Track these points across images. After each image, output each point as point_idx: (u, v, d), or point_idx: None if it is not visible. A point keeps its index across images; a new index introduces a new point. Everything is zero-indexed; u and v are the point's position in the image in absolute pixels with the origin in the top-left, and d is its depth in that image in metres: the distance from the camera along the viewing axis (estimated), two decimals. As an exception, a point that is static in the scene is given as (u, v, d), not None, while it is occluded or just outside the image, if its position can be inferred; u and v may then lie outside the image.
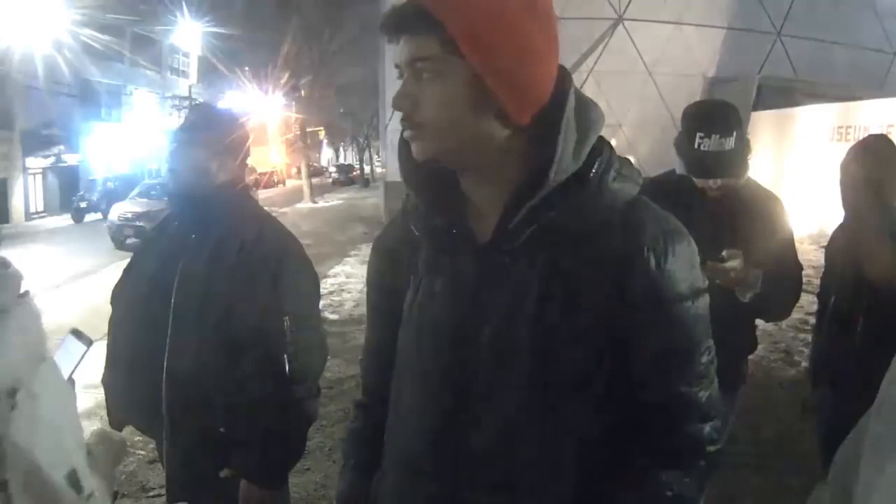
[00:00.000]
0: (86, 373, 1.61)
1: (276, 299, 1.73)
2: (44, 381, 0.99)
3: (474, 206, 0.97)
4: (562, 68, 0.92)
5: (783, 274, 1.95)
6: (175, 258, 1.79)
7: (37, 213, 23.47)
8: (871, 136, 2.33)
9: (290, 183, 40.21)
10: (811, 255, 8.20)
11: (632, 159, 1.02)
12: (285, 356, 1.73)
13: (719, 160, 1.92)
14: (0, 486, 0.89)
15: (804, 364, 4.76)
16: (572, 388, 0.92)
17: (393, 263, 1.06)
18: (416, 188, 1.00)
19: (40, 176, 24.55)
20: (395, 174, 17.25)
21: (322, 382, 1.99)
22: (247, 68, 28.31)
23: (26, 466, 0.92)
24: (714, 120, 1.95)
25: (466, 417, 0.95)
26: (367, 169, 43.42)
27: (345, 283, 8.47)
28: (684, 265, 0.92)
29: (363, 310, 5.83)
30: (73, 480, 0.97)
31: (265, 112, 31.55)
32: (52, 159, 24.41)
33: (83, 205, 22.24)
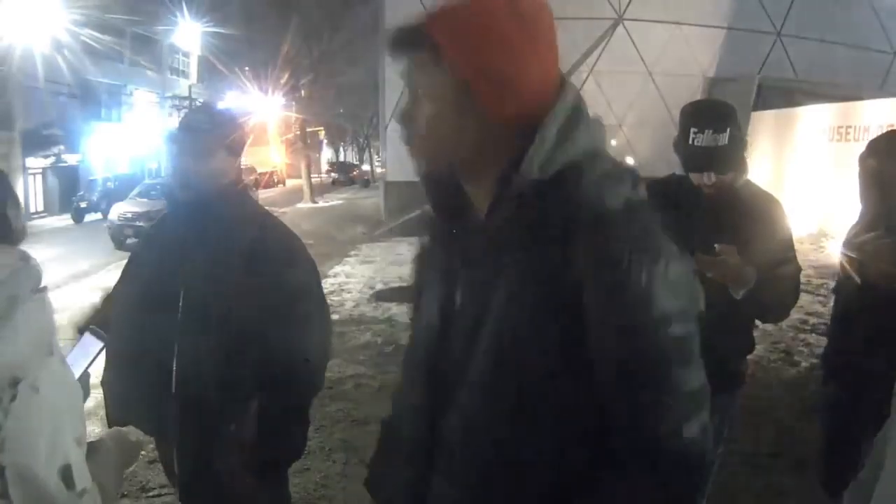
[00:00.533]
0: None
1: (282, 299, 1.75)
2: (48, 376, 1.00)
3: (474, 204, 1.00)
4: (563, 78, 0.95)
5: (782, 275, 1.95)
6: (176, 259, 1.79)
7: (37, 213, 23.48)
8: (892, 131, 2.33)
9: (290, 183, 40.22)
10: (811, 255, 8.21)
11: (630, 159, 1.01)
12: (293, 353, 1.75)
13: (712, 155, 1.95)
14: None
15: (804, 364, 4.76)
16: (534, 389, 0.91)
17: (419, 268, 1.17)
18: (427, 190, 1.05)
19: (40, 176, 24.56)
20: (395, 174, 17.10)
21: (322, 382, 1.99)
22: (247, 68, 28.31)
23: (21, 457, 0.93)
24: (708, 116, 1.99)
25: (443, 406, 0.97)
26: (366, 168, 43.43)
27: (345, 283, 8.47)
28: (652, 285, 0.87)
29: (363, 310, 5.88)
30: (66, 475, 0.97)
31: (265, 112, 31.56)
32: (52, 159, 24.42)
33: (83, 205, 22.25)
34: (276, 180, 39.83)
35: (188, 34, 30.52)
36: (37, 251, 1.16)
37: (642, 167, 1.14)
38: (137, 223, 15.14)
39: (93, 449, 1.21)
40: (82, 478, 1.00)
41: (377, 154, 39.59)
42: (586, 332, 0.89)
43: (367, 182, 39.78)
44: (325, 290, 2.08)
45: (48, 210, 24.31)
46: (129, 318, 1.85)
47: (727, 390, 1.99)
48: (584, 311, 0.88)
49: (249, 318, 1.72)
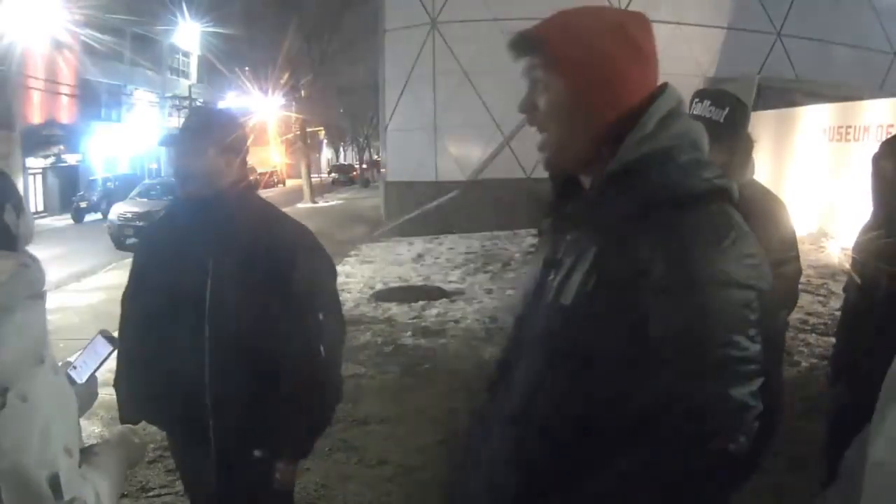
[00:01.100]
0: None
1: (306, 293, 1.79)
2: (37, 384, 1.00)
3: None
4: (666, 84, 1.10)
5: (782, 275, 1.96)
6: (188, 259, 1.80)
7: (37, 213, 23.47)
8: None
9: (290, 183, 40.20)
10: (811, 256, 8.20)
11: None
12: (321, 345, 1.81)
13: (705, 123, 2.01)
14: None
15: (804, 364, 4.75)
16: (591, 345, 1.00)
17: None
18: (552, 181, 1.17)
19: (40, 176, 24.56)
20: (395, 174, 17.02)
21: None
22: (247, 68, 28.30)
23: (9, 465, 0.93)
24: (712, 92, 2.12)
25: (518, 352, 1.12)
26: (366, 167, 43.41)
27: (345, 283, 8.47)
28: (709, 262, 0.95)
29: (364, 310, 5.87)
30: (54, 484, 0.98)
31: (265, 112, 31.51)
32: (52, 159, 24.42)
33: (83, 205, 22.25)
34: (275, 180, 39.83)
35: (188, 34, 30.52)
36: (37, 251, 1.15)
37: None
38: (137, 223, 15.13)
39: (96, 449, 1.21)
40: (71, 487, 1.00)
41: (377, 154, 39.61)
42: (651, 301, 0.95)
43: (367, 182, 39.79)
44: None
45: (48, 210, 24.30)
46: (139, 319, 1.87)
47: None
48: (651, 279, 0.95)
49: (279, 315, 1.76)
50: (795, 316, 5.78)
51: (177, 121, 32.45)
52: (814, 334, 5.33)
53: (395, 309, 6.86)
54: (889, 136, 2.20)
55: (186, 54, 34.25)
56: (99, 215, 20.91)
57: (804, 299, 6.23)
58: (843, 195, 8.13)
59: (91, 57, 23.80)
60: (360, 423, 3.97)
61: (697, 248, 0.95)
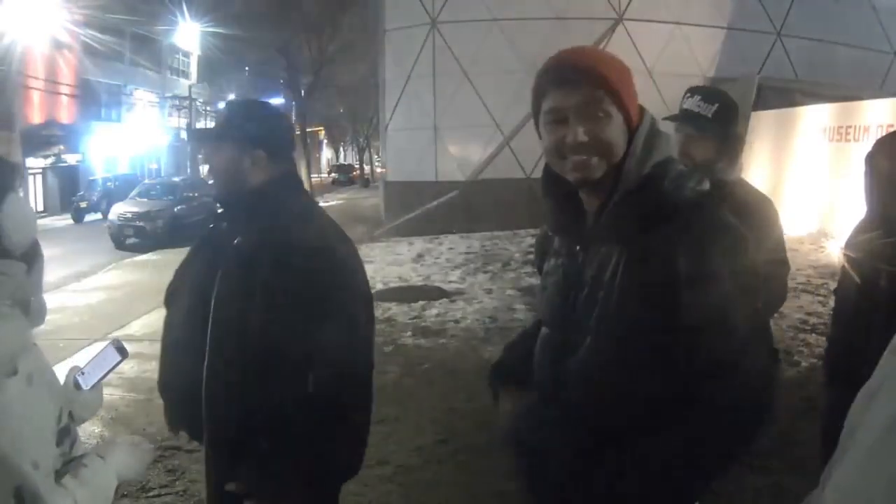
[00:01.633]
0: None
1: (298, 308, 1.61)
2: (7, 396, 1.00)
3: (587, 210, 1.33)
4: (641, 106, 1.30)
5: (770, 274, 1.96)
6: (217, 261, 1.71)
7: (37, 213, 23.37)
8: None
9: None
10: (811, 255, 8.21)
11: None
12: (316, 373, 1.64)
13: (692, 116, 2.12)
14: None
15: (804, 364, 4.75)
16: (634, 342, 1.20)
17: (541, 248, 1.52)
18: (552, 200, 1.37)
19: (40, 176, 24.56)
20: (395, 174, 17.01)
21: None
22: (247, 68, 28.30)
23: None
24: (703, 88, 2.19)
25: (565, 352, 1.31)
26: (366, 168, 43.42)
27: (345, 283, 8.48)
28: (719, 255, 1.17)
29: (363, 310, 5.54)
30: (18, 496, 1.00)
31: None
32: (52, 159, 24.43)
33: (83, 205, 22.25)
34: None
35: (188, 34, 30.50)
36: (36, 251, 1.15)
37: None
38: (137, 223, 15.16)
39: (85, 460, 1.21)
40: (37, 499, 1.01)
41: (377, 154, 39.64)
42: (675, 294, 1.14)
43: (367, 182, 39.79)
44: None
45: (48, 210, 24.31)
46: (178, 322, 1.80)
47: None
48: (673, 275, 1.15)
49: (262, 333, 1.62)
50: (795, 316, 5.78)
51: (177, 121, 32.52)
52: (814, 334, 5.34)
53: (394, 309, 6.86)
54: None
55: (186, 54, 34.24)
56: (99, 215, 20.91)
57: (804, 299, 6.23)
58: (843, 195, 8.12)
59: (91, 57, 23.81)
60: (360, 423, 3.97)
61: (709, 244, 1.16)
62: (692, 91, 2.17)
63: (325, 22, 24.76)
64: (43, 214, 23.60)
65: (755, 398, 1.18)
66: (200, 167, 33.85)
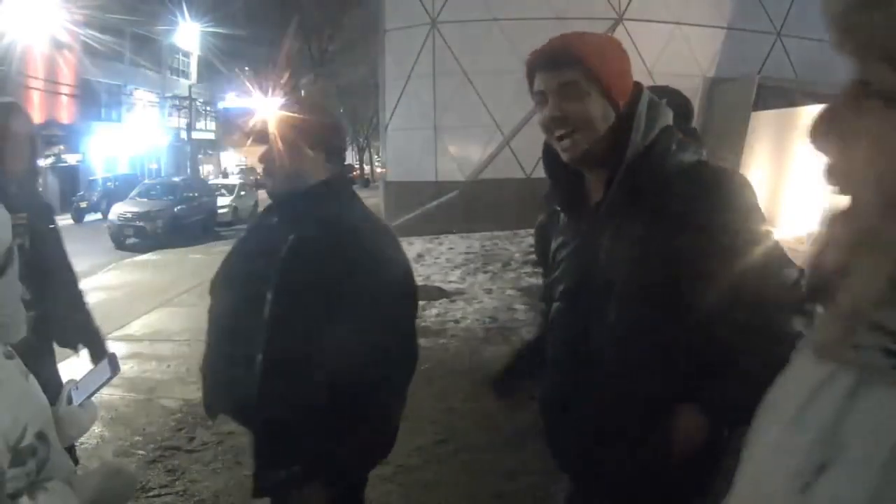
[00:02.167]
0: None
1: (355, 309, 1.65)
2: None
3: (591, 185, 1.43)
4: (636, 83, 1.40)
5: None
6: (266, 253, 1.78)
7: (37, 213, 23.44)
8: None
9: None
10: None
11: None
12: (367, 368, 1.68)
13: None
14: None
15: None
16: (657, 302, 1.30)
17: (542, 233, 1.66)
18: (555, 178, 1.47)
19: (40, 176, 24.55)
20: (395, 174, 16.98)
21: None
22: (247, 68, 28.31)
23: None
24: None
25: (584, 328, 1.39)
26: (367, 168, 43.44)
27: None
28: (730, 204, 1.29)
29: (363, 310, 5.53)
30: None
31: (265, 112, 31.38)
32: (52, 159, 24.41)
33: (83, 205, 22.24)
34: (276, 180, 39.78)
35: (188, 34, 30.52)
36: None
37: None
38: (137, 223, 15.15)
39: (73, 477, 1.19)
40: None
41: (377, 154, 39.64)
42: (692, 247, 1.25)
43: (367, 182, 39.81)
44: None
45: (48, 210, 24.28)
46: (224, 310, 1.86)
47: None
48: (684, 230, 1.26)
49: (315, 329, 1.66)
50: (795, 316, 5.78)
51: (177, 121, 32.53)
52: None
53: (395, 309, 6.86)
54: None
55: (186, 54, 34.24)
56: (99, 215, 20.90)
57: (804, 299, 6.21)
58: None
59: (91, 57, 23.81)
60: (359, 423, 3.97)
61: (721, 193, 1.30)
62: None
63: (325, 22, 24.77)
64: (43, 214, 23.57)
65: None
66: (200, 167, 33.89)
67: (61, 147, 24.53)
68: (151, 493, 3.29)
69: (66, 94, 23.91)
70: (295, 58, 25.79)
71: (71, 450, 1.86)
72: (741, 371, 1.23)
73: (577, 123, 1.33)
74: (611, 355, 1.36)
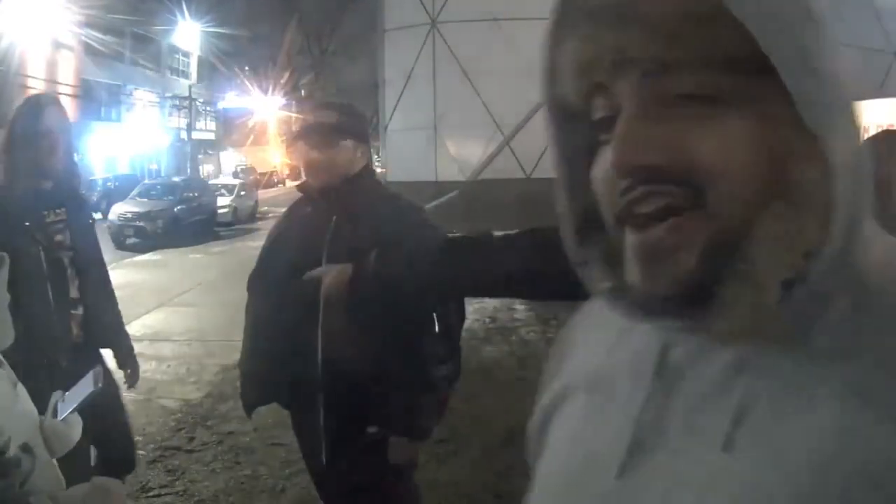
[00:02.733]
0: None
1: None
2: None
3: None
4: None
5: None
6: (315, 243, 1.89)
7: (37, 213, 23.43)
8: (888, 130, 2.33)
9: (290, 183, 40.20)
10: (811, 255, 8.20)
11: None
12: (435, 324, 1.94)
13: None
14: None
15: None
16: None
17: None
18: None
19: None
20: (395, 174, 16.98)
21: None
22: (247, 68, 28.31)
23: None
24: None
25: None
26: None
27: (345, 283, 8.47)
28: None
29: (363, 310, 5.53)
30: None
31: (265, 112, 31.50)
32: (52, 159, 24.40)
33: (83, 205, 22.21)
34: (276, 180, 39.84)
35: (188, 34, 30.51)
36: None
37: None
38: (137, 223, 15.16)
39: (58, 493, 1.17)
40: None
41: (377, 154, 39.59)
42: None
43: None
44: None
45: (48, 210, 24.27)
46: (270, 304, 1.96)
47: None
48: None
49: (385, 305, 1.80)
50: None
51: (177, 121, 32.52)
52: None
53: (395, 309, 6.86)
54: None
55: (186, 54, 34.23)
56: (99, 215, 20.88)
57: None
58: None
59: (91, 57, 23.82)
60: (359, 423, 3.98)
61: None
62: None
63: (325, 22, 24.77)
64: (43, 214, 23.56)
65: None
66: (200, 167, 33.89)
67: (61, 147, 24.51)
68: (151, 493, 3.29)
69: (66, 94, 23.89)
70: (295, 57, 25.78)
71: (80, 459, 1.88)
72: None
73: None
74: None
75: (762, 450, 0.45)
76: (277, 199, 28.25)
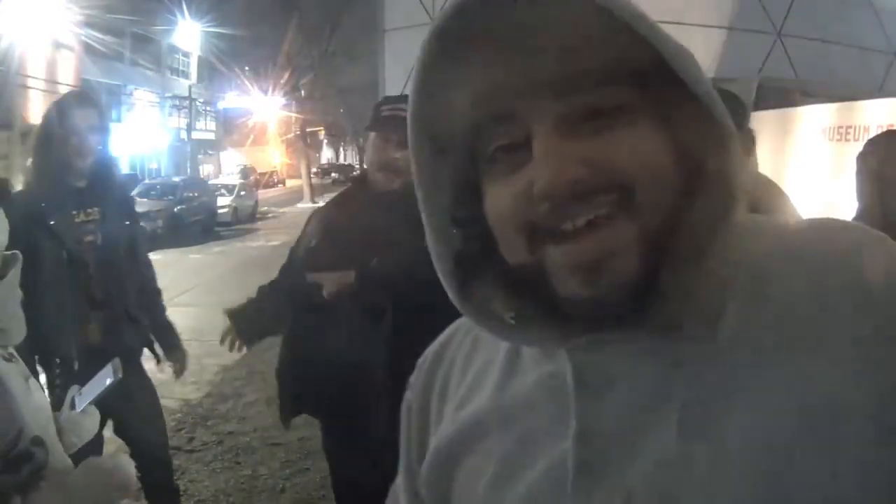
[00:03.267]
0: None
1: None
2: None
3: None
4: None
5: None
6: (359, 249, 1.83)
7: (37, 213, 23.42)
8: (891, 130, 2.34)
9: (290, 183, 40.20)
10: (811, 255, 8.20)
11: None
12: None
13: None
14: None
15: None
16: None
17: None
18: None
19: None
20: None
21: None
22: (247, 68, 28.29)
23: None
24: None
25: None
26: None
27: (345, 283, 8.47)
28: None
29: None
30: None
31: (265, 112, 31.48)
32: (51, 159, 24.39)
33: (83, 205, 22.21)
34: (276, 180, 39.82)
35: (188, 34, 30.48)
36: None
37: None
38: (137, 223, 15.14)
39: (71, 478, 1.17)
40: None
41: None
42: None
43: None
44: (325, 290, 2.14)
45: (48, 210, 24.25)
46: (308, 314, 1.91)
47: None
48: None
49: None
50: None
51: (177, 121, 32.50)
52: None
53: (395, 309, 6.85)
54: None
55: (186, 54, 34.20)
56: (99, 215, 20.89)
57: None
58: (843, 195, 8.11)
59: (91, 57, 23.80)
60: (359, 423, 3.97)
61: None
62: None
63: (325, 21, 24.76)
64: (43, 214, 23.55)
65: None
66: (200, 167, 33.88)
67: (61, 147, 24.51)
68: (151, 493, 3.28)
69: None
70: (295, 57, 25.77)
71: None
72: None
73: None
74: None
75: (715, 433, 0.47)
76: (277, 198, 28.25)
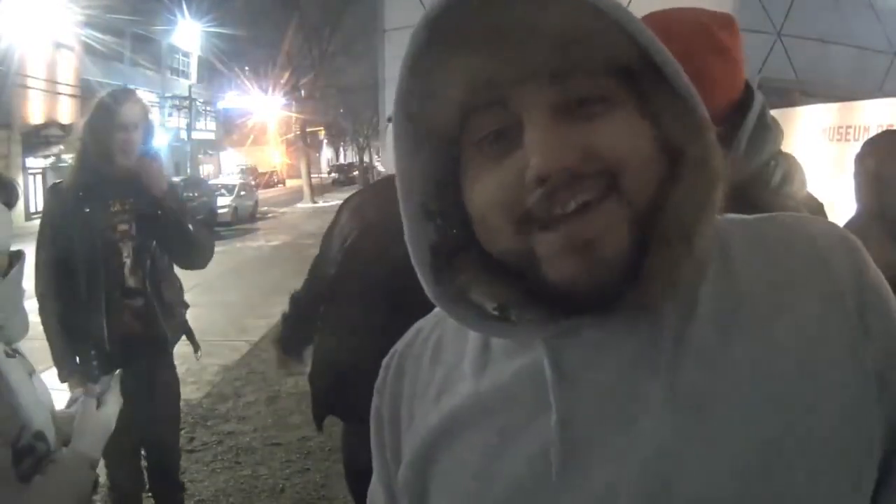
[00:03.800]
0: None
1: None
2: None
3: None
4: (750, 87, 1.22)
5: None
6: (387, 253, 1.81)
7: (37, 212, 23.42)
8: (889, 130, 2.34)
9: (290, 183, 40.20)
10: (811, 255, 8.20)
11: None
12: None
13: None
14: None
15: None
16: None
17: None
18: None
19: (40, 176, 24.53)
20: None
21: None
22: (247, 68, 28.29)
23: None
24: None
25: None
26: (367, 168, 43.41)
27: (345, 283, 8.45)
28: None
29: (363, 310, 5.54)
30: None
31: (265, 112, 31.48)
32: (52, 159, 24.40)
33: (83, 205, 22.20)
34: (276, 180, 39.83)
35: (188, 34, 30.49)
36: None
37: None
38: (137, 223, 15.12)
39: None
40: None
41: (377, 154, 39.58)
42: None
43: (367, 181, 39.79)
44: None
45: (48, 210, 24.23)
46: (335, 313, 1.90)
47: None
48: None
49: None
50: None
51: (177, 121, 32.51)
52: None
53: (395, 309, 6.85)
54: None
55: (186, 54, 34.22)
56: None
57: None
58: (843, 195, 8.11)
59: (91, 57, 23.81)
60: (359, 423, 3.97)
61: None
62: None
63: (325, 21, 24.76)
64: (43, 214, 23.55)
65: None
66: (200, 167, 33.87)
67: (61, 147, 24.51)
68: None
69: (66, 94, 23.89)
70: (295, 57, 25.77)
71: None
72: None
73: None
74: None
75: (702, 409, 0.49)
76: (277, 199, 28.25)
